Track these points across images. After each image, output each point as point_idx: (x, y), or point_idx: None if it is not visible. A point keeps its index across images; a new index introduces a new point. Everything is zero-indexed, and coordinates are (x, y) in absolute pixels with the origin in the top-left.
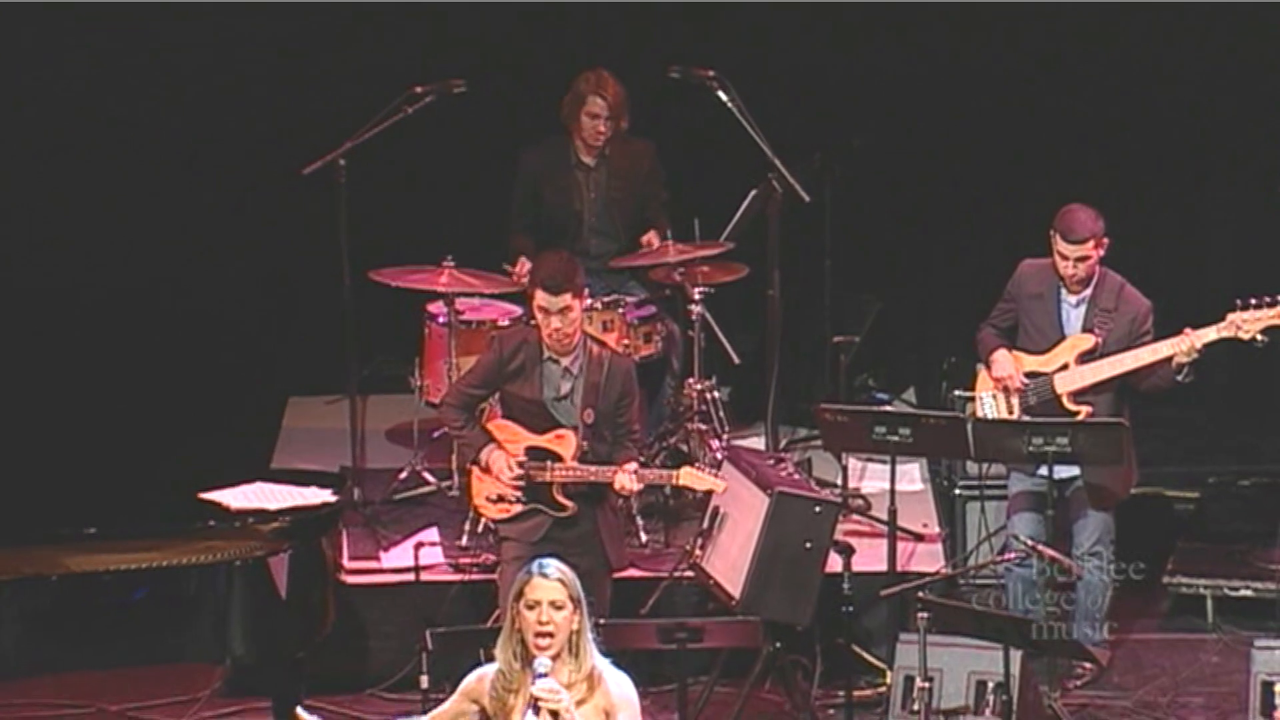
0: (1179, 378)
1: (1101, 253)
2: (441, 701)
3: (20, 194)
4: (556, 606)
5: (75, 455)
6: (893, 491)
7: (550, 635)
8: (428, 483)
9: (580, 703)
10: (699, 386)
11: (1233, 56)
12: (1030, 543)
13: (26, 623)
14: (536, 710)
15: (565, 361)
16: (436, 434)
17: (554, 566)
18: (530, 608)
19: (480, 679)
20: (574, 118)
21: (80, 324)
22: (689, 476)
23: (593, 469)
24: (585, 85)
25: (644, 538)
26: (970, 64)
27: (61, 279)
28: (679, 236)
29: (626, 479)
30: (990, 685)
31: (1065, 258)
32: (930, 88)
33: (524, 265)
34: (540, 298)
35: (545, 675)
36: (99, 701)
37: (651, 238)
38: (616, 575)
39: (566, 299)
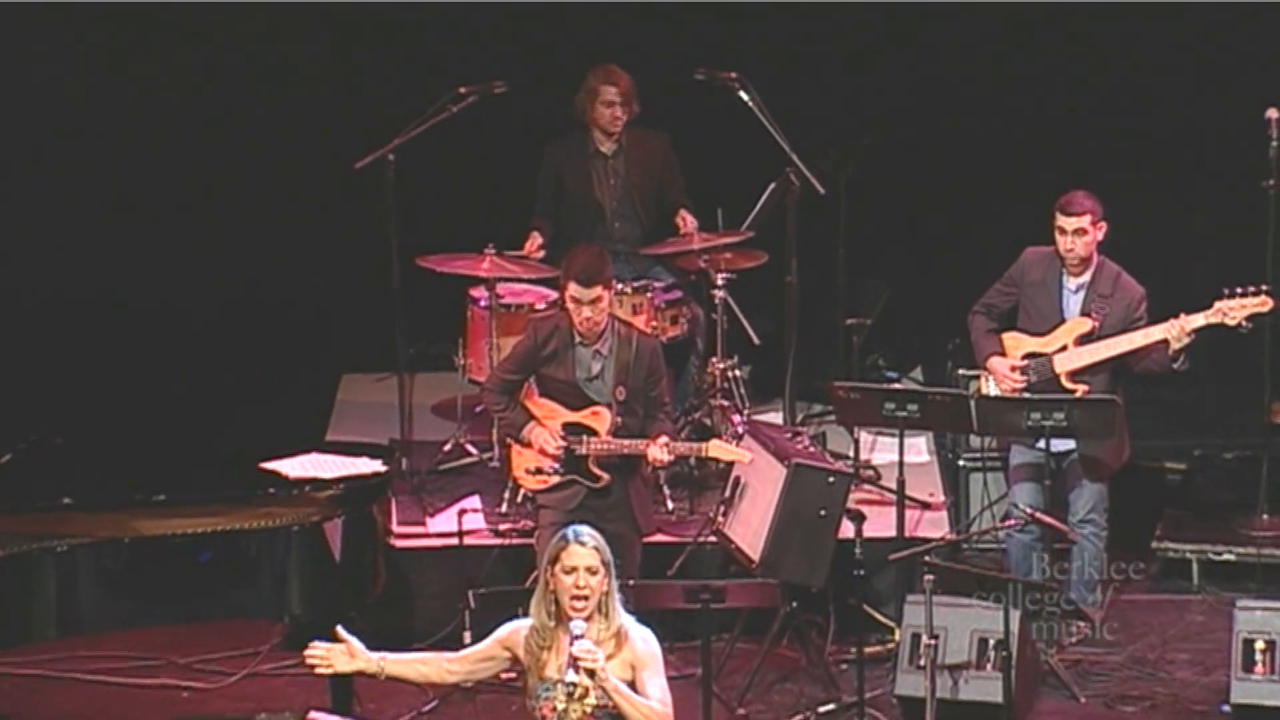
0: (1175, 365)
1: (1099, 235)
2: None
3: (95, 191)
4: (591, 572)
5: (147, 428)
6: (901, 463)
7: (585, 598)
8: (470, 454)
9: (609, 658)
10: (721, 365)
11: (1223, 55)
12: (1029, 510)
13: (101, 582)
14: (576, 669)
15: (596, 344)
16: (479, 409)
17: (588, 534)
18: (567, 573)
19: (515, 631)
20: (590, 109)
21: (154, 309)
22: (717, 448)
23: (626, 442)
24: (596, 78)
25: (670, 506)
26: (972, 66)
27: (137, 268)
28: (703, 226)
29: (658, 451)
30: (991, 642)
31: (1064, 231)
32: (936, 89)
33: (534, 240)
34: (573, 289)
35: (581, 637)
36: (168, 655)
37: (684, 216)
38: (645, 540)
39: (598, 290)
